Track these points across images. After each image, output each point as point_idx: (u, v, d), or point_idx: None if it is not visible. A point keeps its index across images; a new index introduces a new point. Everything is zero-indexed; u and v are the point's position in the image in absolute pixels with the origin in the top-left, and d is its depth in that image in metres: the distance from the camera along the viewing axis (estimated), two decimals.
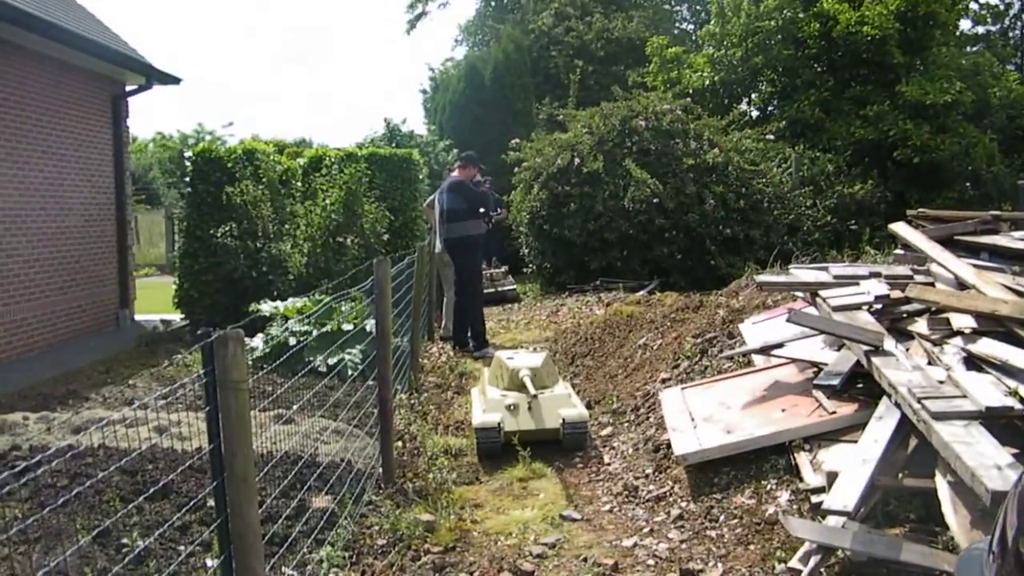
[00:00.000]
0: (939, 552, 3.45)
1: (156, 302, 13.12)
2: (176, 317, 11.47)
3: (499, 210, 13.21)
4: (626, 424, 6.14)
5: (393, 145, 16.49)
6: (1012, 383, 4.10)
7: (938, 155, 15.86)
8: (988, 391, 3.97)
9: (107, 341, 10.70)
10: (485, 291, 12.09)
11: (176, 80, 12.30)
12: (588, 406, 6.67)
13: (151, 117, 76.69)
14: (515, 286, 13.05)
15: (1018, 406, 3.87)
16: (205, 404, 2.79)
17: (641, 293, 11.84)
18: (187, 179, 11.28)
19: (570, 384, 7.02)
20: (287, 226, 10.56)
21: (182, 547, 3.59)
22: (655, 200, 12.91)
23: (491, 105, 18.75)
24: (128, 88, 12.14)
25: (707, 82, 17.82)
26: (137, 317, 12.36)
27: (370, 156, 12.03)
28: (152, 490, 3.79)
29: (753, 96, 19.21)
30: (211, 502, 3.26)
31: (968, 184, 17.36)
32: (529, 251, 14.54)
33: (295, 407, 5.27)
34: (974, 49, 21.48)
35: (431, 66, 24.11)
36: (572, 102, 16.58)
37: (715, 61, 17.93)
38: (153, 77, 11.95)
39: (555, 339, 9.60)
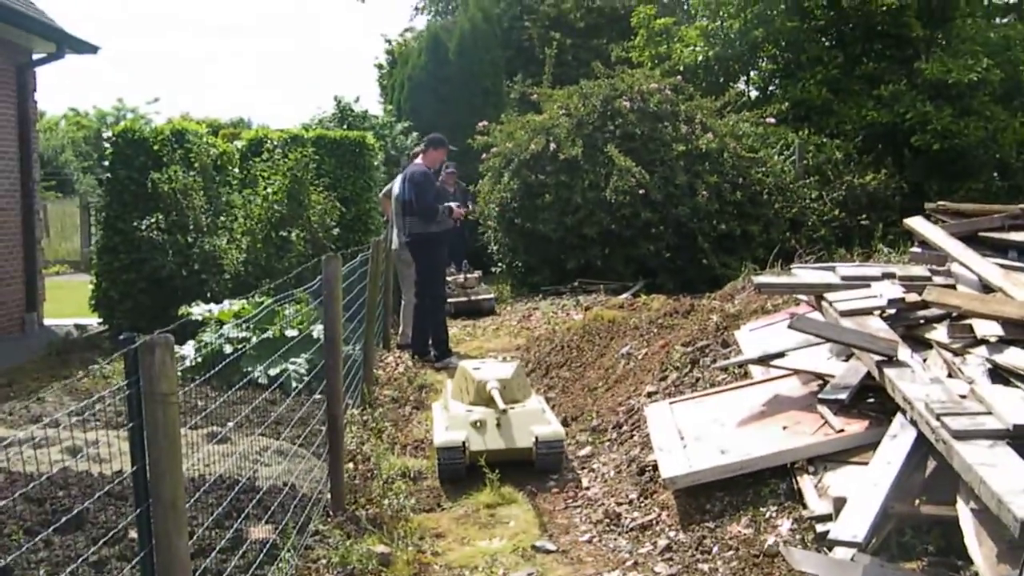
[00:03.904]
0: None
1: (69, 304, 12.98)
2: (93, 321, 11.39)
3: (469, 205, 13.23)
4: (607, 443, 6.20)
5: (344, 127, 16.43)
6: None
7: (961, 141, 15.92)
8: (1016, 407, 4.02)
9: (10, 349, 10.56)
10: (456, 300, 12.16)
11: (93, 48, 12.18)
12: (564, 423, 6.73)
13: (63, 91, 75.98)
14: (492, 295, 12.97)
15: None
16: (128, 420, 2.77)
17: (624, 296, 11.96)
18: (106, 163, 11.21)
19: (544, 398, 7.07)
20: (223, 218, 10.58)
21: None
22: (641, 191, 13.03)
23: (456, 82, 18.72)
24: (36, 56, 11.97)
25: (700, 58, 17.88)
26: (46, 321, 12.21)
27: (318, 139, 12.01)
28: (63, 520, 3.76)
29: (752, 74, 19.30)
30: (133, 533, 3.25)
31: (995, 174, 17.44)
32: (498, 247, 14.58)
33: (231, 424, 5.25)
34: (1004, 21, 21.58)
35: (388, 37, 24.08)
36: (548, 80, 16.59)
37: (709, 34, 18.01)
38: (65, 44, 11.81)
39: (527, 347, 9.67)
